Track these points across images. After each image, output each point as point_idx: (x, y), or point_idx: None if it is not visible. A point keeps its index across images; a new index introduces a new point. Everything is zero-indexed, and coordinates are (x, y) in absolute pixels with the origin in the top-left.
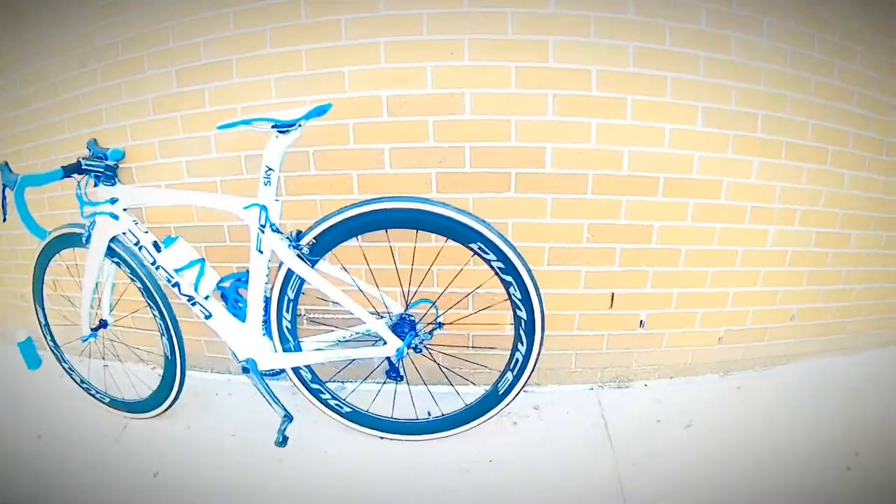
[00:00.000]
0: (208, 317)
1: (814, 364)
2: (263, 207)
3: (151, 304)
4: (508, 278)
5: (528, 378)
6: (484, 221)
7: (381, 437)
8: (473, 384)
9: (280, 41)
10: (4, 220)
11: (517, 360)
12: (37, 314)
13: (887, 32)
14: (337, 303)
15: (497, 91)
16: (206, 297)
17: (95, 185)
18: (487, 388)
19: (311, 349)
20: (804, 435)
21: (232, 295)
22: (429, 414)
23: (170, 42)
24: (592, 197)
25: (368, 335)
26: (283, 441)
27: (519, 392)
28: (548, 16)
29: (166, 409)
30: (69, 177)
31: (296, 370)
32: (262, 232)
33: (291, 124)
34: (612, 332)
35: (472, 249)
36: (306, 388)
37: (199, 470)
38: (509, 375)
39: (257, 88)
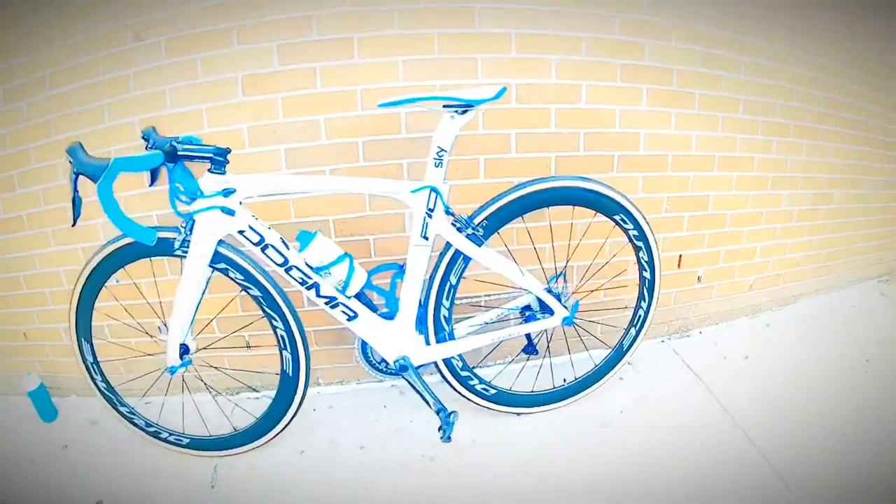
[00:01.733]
0: (352, 318)
1: (814, 300)
2: (435, 189)
3: (273, 314)
4: (640, 244)
5: (646, 331)
6: (626, 196)
7: (519, 414)
8: (604, 345)
9: (409, 23)
10: (74, 223)
11: (640, 317)
12: (80, 351)
13: None
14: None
15: (604, 83)
16: (350, 297)
17: (174, 178)
18: (612, 346)
19: (464, 335)
20: (826, 349)
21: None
22: (564, 380)
23: (268, 14)
24: (671, 174)
25: (514, 312)
26: (449, 437)
27: (638, 345)
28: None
29: (273, 438)
30: (167, 164)
31: (446, 360)
32: (430, 217)
33: (473, 104)
34: (679, 288)
35: (615, 220)
36: (455, 377)
37: (351, 495)
38: (632, 331)
39: (382, 70)
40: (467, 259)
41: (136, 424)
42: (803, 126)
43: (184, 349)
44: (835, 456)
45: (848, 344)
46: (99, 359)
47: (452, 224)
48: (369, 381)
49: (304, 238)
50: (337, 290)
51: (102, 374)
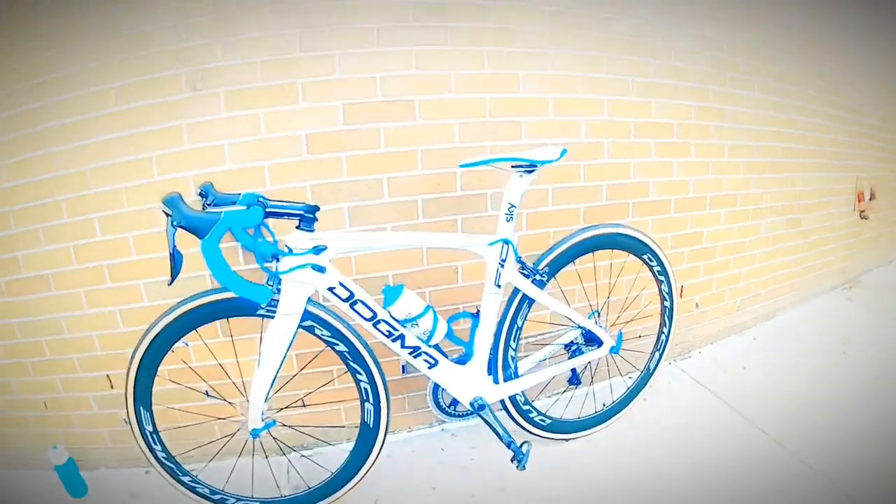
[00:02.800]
0: (433, 366)
1: (791, 312)
2: (507, 241)
3: (358, 367)
4: (662, 278)
5: (668, 354)
6: (652, 239)
7: (567, 440)
8: (635, 369)
9: (463, 88)
10: (172, 281)
11: (662, 341)
12: (138, 420)
13: None
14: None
15: (622, 140)
16: (431, 346)
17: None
18: (640, 370)
19: (528, 372)
20: (809, 351)
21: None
22: (604, 405)
23: (336, 72)
24: (674, 215)
25: (564, 347)
26: (524, 466)
27: (661, 367)
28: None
29: (348, 491)
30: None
31: (511, 397)
32: (503, 266)
33: (539, 164)
34: (681, 315)
35: (643, 259)
36: (517, 411)
37: None
38: (657, 354)
39: (441, 131)
40: (531, 302)
41: (199, 494)
42: (775, 162)
43: None
44: (835, 432)
45: (826, 344)
46: (158, 427)
47: (520, 271)
48: (420, 427)
49: (391, 292)
50: (421, 340)
51: (162, 444)
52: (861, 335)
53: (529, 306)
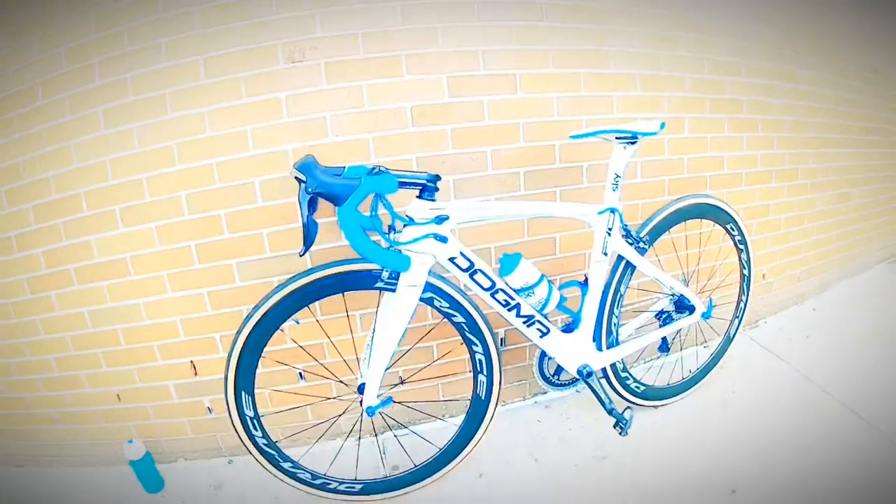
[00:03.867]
0: (545, 334)
1: (843, 284)
2: (615, 210)
3: (475, 339)
4: (742, 247)
5: (746, 320)
6: (735, 210)
7: (657, 406)
8: (716, 335)
9: (560, 63)
10: (305, 251)
11: (741, 308)
12: (238, 406)
13: None
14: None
15: (701, 115)
16: (545, 315)
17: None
18: (721, 337)
19: (626, 339)
20: (864, 317)
21: None
22: (690, 371)
23: (439, 44)
24: (743, 188)
25: (656, 316)
26: (627, 432)
27: (738, 333)
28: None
29: (455, 466)
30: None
31: (612, 365)
32: (609, 235)
33: (641, 136)
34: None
35: (726, 229)
36: (617, 378)
37: (544, 497)
38: (736, 321)
39: (540, 105)
40: (633, 269)
41: (300, 480)
42: (828, 138)
43: (361, 389)
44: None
45: (880, 312)
46: (260, 412)
47: (625, 239)
48: (514, 401)
49: (509, 261)
50: (535, 309)
51: (263, 430)
52: None
53: (632, 273)
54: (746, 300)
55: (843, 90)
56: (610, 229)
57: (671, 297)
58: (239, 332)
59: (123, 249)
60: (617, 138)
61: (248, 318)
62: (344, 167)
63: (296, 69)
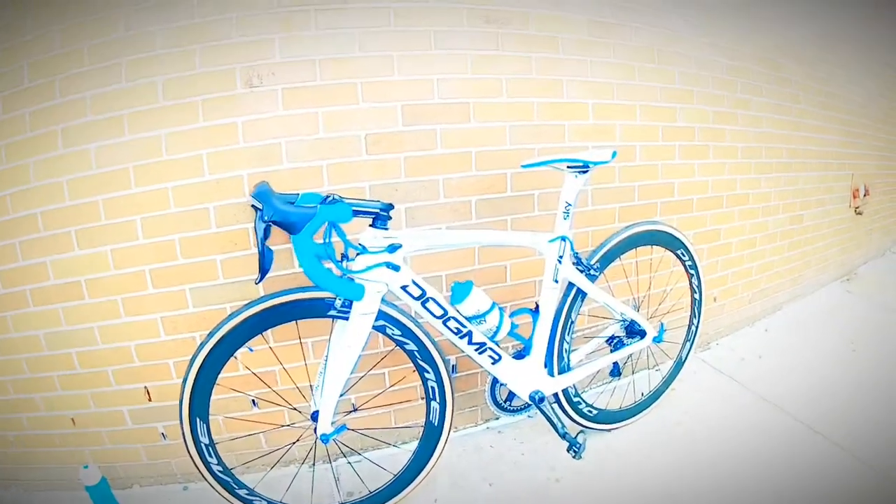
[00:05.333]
0: (496, 361)
1: (796, 304)
2: (565, 238)
3: (427, 366)
4: (692, 272)
5: (697, 344)
6: (685, 236)
7: (610, 430)
8: (667, 359)
9: (514, 92)
10: (260, 279)
11: (693, 332)
12: (194, 432)
13: None
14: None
15: (651, 143)
16: (496, 343)
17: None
18: (673, 360)
19: (578, 365)
20: (815, 339)
21: None
22: (642, 394)
23: (395, 73)
24: (695, 214)
25: (607, 341)
26: (581, 456)
27: (689, 356)
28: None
29: (411, 492)
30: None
31: (564, 389)
32: (560, 262)
33: (592, 165)
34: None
35: (677, 255)
36: (569, 403)
37: None
38: (688, 345)
39: (493, 133)
40: (584, 296)
41: None
42: (781, 162)
43: (314, 416)
44: (843, 405)
45: (829, 331)
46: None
47: (576, 266)
48: (466, 427)
49: (460, 289)
50: (487, 336)
51: (218, 456)
52: (862, 325)
53: (583, 300)
54: (698, 323)
55: (796, 115)
56: (561, 257)
57: (622, 322)
58: (193, 359)
59: (79, 272)
60: (568, 167)
61: (203, 345)
62: (298, 194)
63: (253, 94)
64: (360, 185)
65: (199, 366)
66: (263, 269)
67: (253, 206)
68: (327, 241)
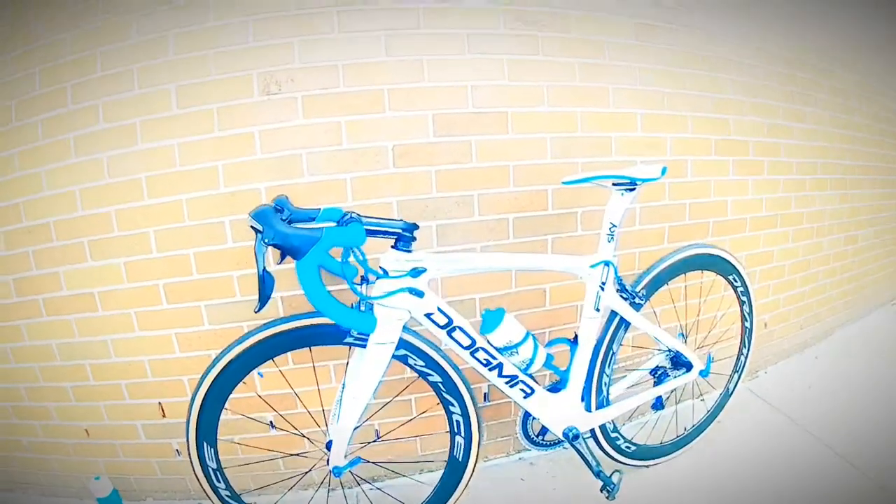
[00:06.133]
0: (528, 395)
1: (847, 329)
2: (609, 263)
3: (452, 399)
4: (744, 299)
5: (746, 374)
6: (738, 259)
7: (649, 466)
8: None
9: (555, 101)
10: (261, 307)
11: (741, 363)
12: (201, 456)
13: None
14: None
15: (703, 158)
16: (529, 375)
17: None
18: (720, 391)
19: (618, 399)
20: (871, 367)
21: None
22: (685, 429)
23: (425, 79)
24: (748, 234)
25: (650, 373)
26: (615, 496)
27: (737, 388)
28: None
29: None
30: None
31: (602, 425)
32: (602, 289)
33: (641, 182)
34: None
35: (728, 280)
36: (606, 438)
37: None
38: (735, 376)
39: (532, 145)
40: (628, 325)
41: None
42: (835, 179)
43: (329, 446)
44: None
45: (882, 359)
46: (223, 464)
47: (619, 294)
48: (497, 457)
49: (491, 318)
50: (519, 368)
51: (227, 481)
52: None
53: (626, 330)
54: (747, 354)
55: (852, 129)
56: (603, 284)
57: (667, 353)
58: (200, 383)
59: (91, 284)
60: (614, 185)
61: (209, 369)
62: (319, 209)
63: (271, 101)
64: (386, 200)
65: (205, 392)
66: (264, 297)
67: (252, 227)
68: (345, 261)
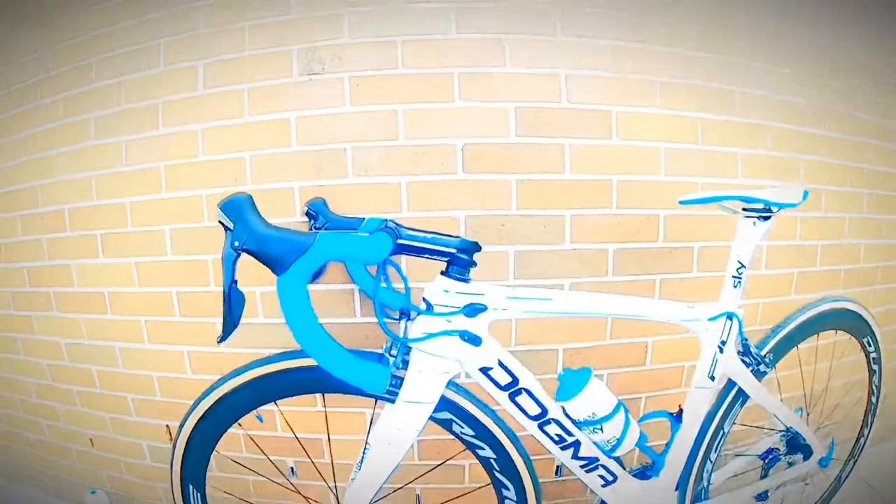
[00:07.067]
0: (609, 483)
1: None
2: (733, 316)
3: (507, 480)
4: (875, 367)
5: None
6: (875, 319)
7: None
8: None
9: (666, 102)
10: (223, 338)
11: (860, 445)
12: (185, 500)
13: None
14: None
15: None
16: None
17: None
18: (832, 479)
19: (718, 490)
20: None
21: None
22: None
23: (506, 63)
24: (882, 286)
25: (760, 457)
26: None
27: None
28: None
29: None
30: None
31: None
32: (721, 351)
33: (775, 208)
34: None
35: (862, 343)
36: None
37: None
38: (850, 463)
39: (638, 154)
40: (745, 399)
41: None
42: None
43: None
44: None
45: None
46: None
47: (740, 356)
48: None
49: (572, 381)
50: (602, 450)
51: None
52: None
53: (742, 404)
54: (868, 435)
55: None
56: (723, 342)
57: (783, 434)
58: (186, 418)
59: (102, 282)
60: (745, 209)
61: (198, 403)
62: (363, 219)
63: (313, 83)
64: (451, 214)
65: (191, 428)
66: (229, 322)
67: (221, 222)
68: (380, 280)
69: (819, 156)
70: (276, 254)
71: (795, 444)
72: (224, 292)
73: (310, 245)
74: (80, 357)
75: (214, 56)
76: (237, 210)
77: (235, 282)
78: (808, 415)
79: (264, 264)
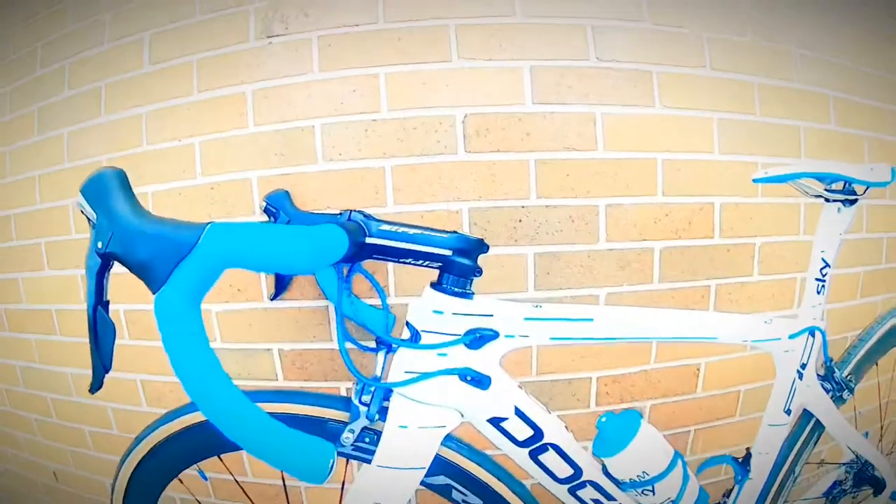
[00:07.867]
0: None
1: None
2: (816, 331)
3: None
4: None
5: None
6: None
7: None
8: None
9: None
10: (95, 387)
11: None
12: None
13: None
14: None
15: None
16: None
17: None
18: None
19: None
20: None
21: None
22: None
23: (516, 14)
24: None
25: (824, 494)
26: None
27: None
28: None
29: None
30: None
31: None
32: (801, 377)
33: (868, 187)
34: None
35: None
36: None
37: None
38: None
39: (687, 129)
40: (821, 432)
41: None
42: None
43: None
44: None
45: None
46: None
47: (821, 381)
48: None
49: (616, 430)
50: None
51: None
52: None
53: (818, 439)
54: None
55: None
56: (804, 366)
57: (851, 465)
58: (120, 469)
59: (48, 298)
60: (828, 190)
61: (129, 451)
62: (337, 215)
63: (273, 48)
64: (451, 206)
65: (126, 479)
66: (99, 365)
67: (83, 212)
68: (340, 296)
69: (882, 132)
70: (145, 258)
71: (864, 475)
72: (88, 317)
73: (194, 243)
74: (34, 383)
75: (161, 26)
76: (101, 193)
77: (105, 303)
78: (880, 440)
79: (136, 276)
